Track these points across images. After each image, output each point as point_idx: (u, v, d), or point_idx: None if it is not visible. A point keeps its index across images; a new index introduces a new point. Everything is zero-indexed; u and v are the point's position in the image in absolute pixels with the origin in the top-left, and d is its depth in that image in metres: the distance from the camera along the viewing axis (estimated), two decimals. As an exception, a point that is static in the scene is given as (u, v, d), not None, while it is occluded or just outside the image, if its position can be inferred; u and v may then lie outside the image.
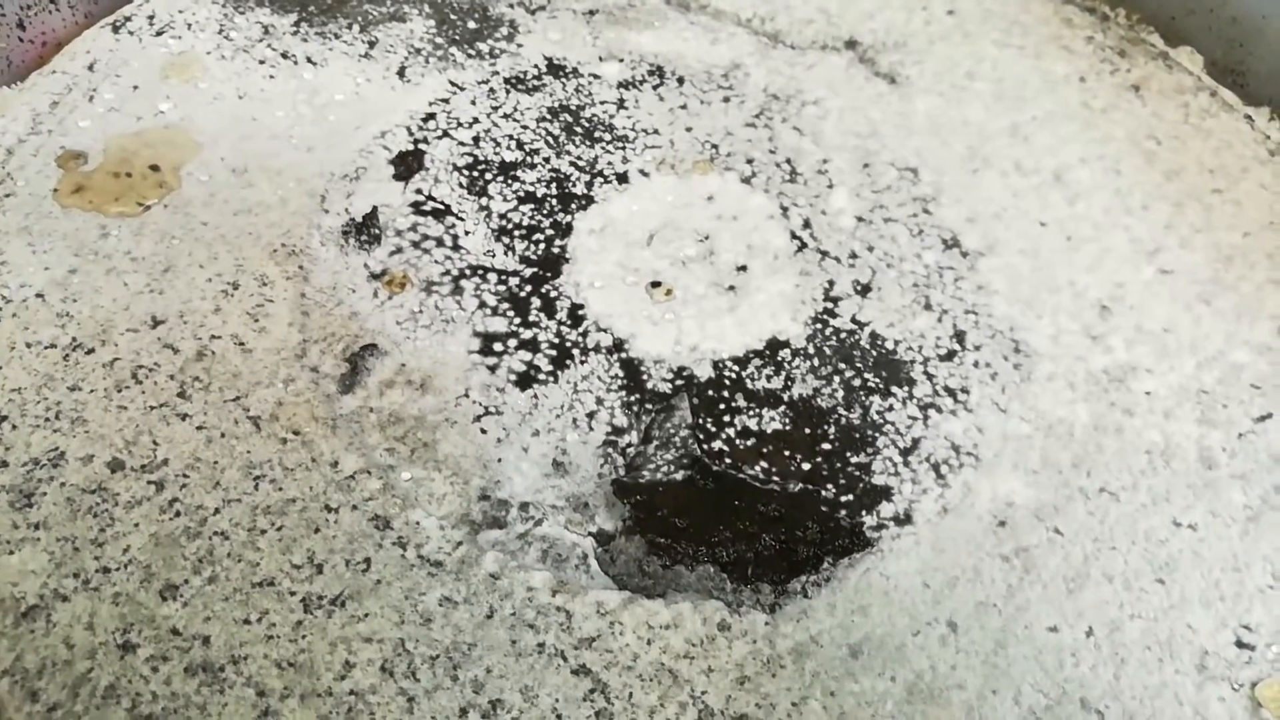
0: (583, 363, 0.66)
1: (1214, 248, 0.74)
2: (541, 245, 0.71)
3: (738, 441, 0.63)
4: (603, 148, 0.76)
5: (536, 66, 0.81)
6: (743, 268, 0.71)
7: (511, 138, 0.76)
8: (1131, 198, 0.76)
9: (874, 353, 0.67)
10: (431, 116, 0.77)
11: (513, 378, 0.65)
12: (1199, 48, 0.87)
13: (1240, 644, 0.57)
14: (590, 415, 0.64)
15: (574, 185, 0.74)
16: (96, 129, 0.74)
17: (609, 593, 0.57)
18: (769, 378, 0.66)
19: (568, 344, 0.67)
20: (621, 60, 0.82)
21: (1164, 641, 0.57)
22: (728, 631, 0.56)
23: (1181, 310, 0.71)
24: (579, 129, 0.77)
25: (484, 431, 0.62)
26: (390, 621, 0.55)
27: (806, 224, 0.73)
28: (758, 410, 0.65)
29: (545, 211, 0.73)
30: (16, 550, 0.56)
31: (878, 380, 0.66)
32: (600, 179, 0.75)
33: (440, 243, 0.70)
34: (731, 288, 0.70)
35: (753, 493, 0.61)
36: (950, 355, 0.68)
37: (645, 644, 0.55)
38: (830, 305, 0.69)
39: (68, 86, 0.77)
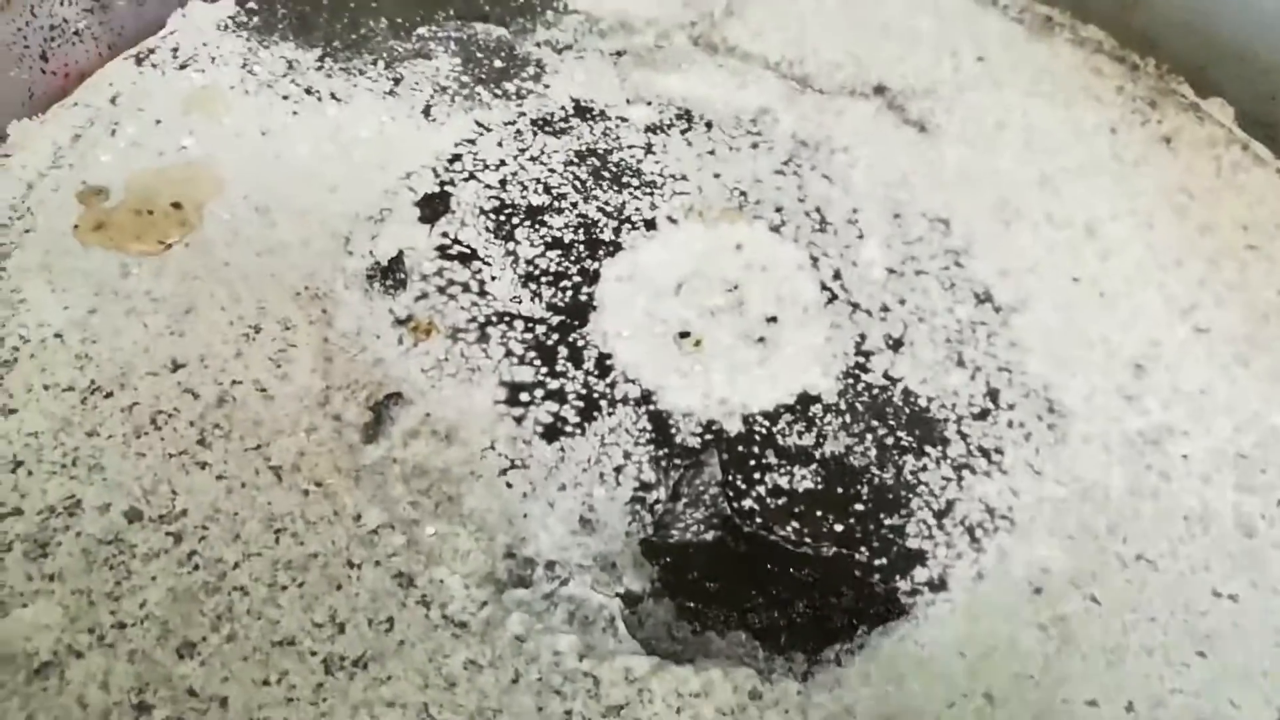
0: (610, 415, 0.65)
1: (1249, 306, 0.73)
2: (569, 292, 0.70)
3: (769, 500, 0.62)
4: (630, 193, 0.75)
5: (564, 108, 0.80)
6: (773, 319, 0.70)
7: (539, 181, 0.75)
8: (1164, 253, 0.75)
9: (907, 410, 0.66)
10: (458, 158, 0.76)
11: (539, 429, 0.64)
12: (1230, 99, 0.86)
13: (1284, 723, 0.56)
14: (618, 470, 0.63)
15: (602, 231, 0.73)
16: (118, 164, 0.73)
17: (637, 658, 0.56)
18: (800, 434, 0.65)
19: (595, 395, 0.65)
20: (649, 103, 0.81)
21: (1207, 719, 0.56)
22: (759, 701, 0.55)
23: (1218, 371, 0.69)
24: (607, 174, 0.76)
25: (510, 485, 0.61)
26: (414, 685, 0.54)
27: (837, 275, 0.72)
28: (789, 468, 0.63)
29: (573, 258, 0.72)
30: (30, 603, 0.54)
31: (911, 439, 0.65)
32: (628, 225, 0.74)
33: (466, 288, 0.69)
34: (761, 339, 0.69)
35: (785, 556, 0.60)
36: (984, 414, 0.66)
37: (675, 713, 0.54)
38: (862, 360, 0.68)
39: (90, 119, 0.76)
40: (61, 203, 0.70)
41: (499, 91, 0.81)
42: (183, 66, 0.80)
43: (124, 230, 0.69)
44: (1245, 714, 0.56)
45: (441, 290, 0.69)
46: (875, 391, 0.67)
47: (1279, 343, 0.71)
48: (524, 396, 0.65)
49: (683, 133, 0.80)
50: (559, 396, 0.65)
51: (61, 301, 0.66)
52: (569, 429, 0.64)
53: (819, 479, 0.63)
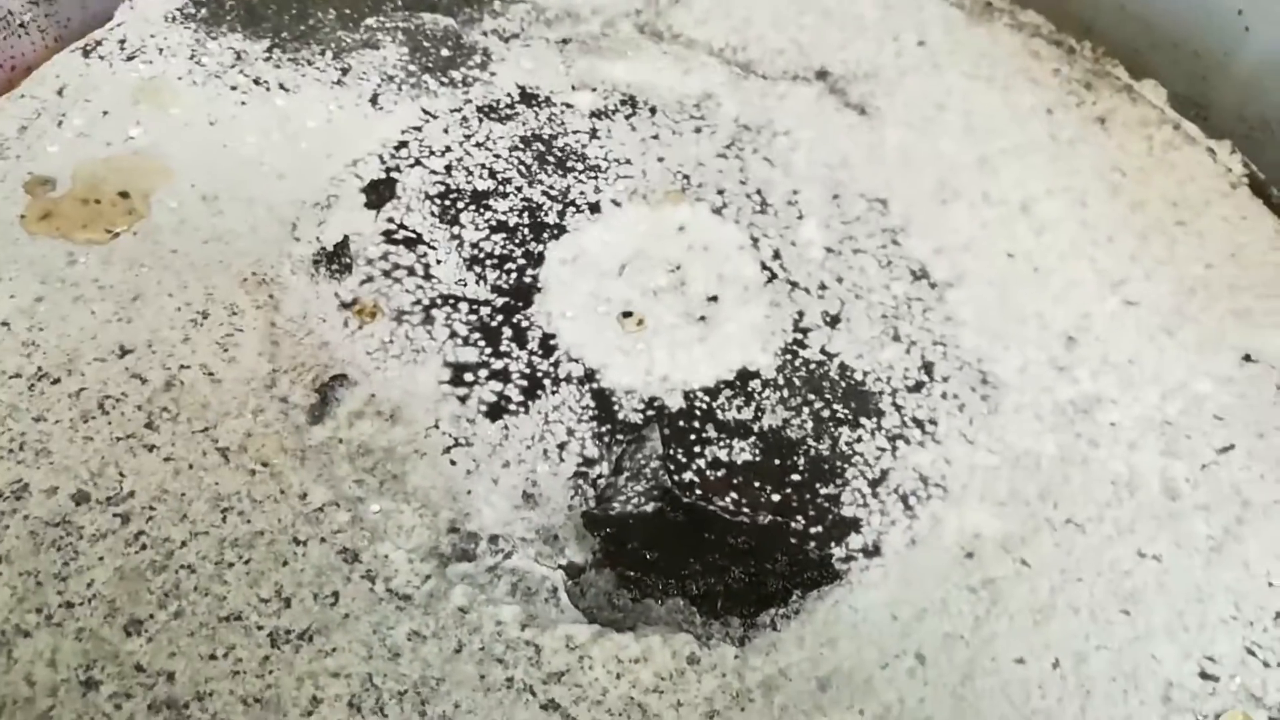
0: (554, 393, 0.66)
1: (1177, 279, 0.75)
2: (513, 274, 0.71)
3: (708, 472, 0.64)
4: (575, 177, 0.77)
5: (509, 95, 0.81)
6: (713, 298, 0.71)
7: (484, 166, 0.77)
8: (1097, 229, 0.78)
9: (843, 384, 0.68)
10: (404, 144, 0.77)
11: (483, 408, 0.65)
12: (1162, 81, 0.88)
13: (1204, 675, 0.58)
14: (561, 446, 0.64)
15: (546, 214, 0.74)
16: (65, 155, 0.74)
17: (578, 626, 0.57)
18: (739, 408, 0.66)
19: (539, 374, 0.67)
20: (594, 89, 0.83)
21: (1129, 673, 0.58)
22: (697, 665, 0.56)
23: (1146, 341, 0.71)
24: (551, 158, 0.78)
25: (454, 463, 0.62)
26: (358, 656, 0.55)
27: (776, 255, 0.74)
28: (728, 441, 0.65)
29: (517, 240, 0.73)
30: (-22, 585, 0.55)
31: (847, 411, 0.67)
32: (572, 208, 0.75)
33: (412, 272, 0.70)
34: (702, 318, 0.70)
35: (723, 525, 0.61)
36: (918, 386, 0.68)
37: (614, 678, 0.55)
38: (800, 336, 0.70)
39: (37, 111, 0.76)
40: (8, 193, 0.71)
41: (446, 80, 0.82)
42: (130, 58, 0.80)
43: (71, 219, 0.70)
44: (1166, 668, 0.58)
45: (387, 274, 0.70)
46: (812, 366, 0.69)
47: (1205, 314, 0.73)
48: (468, 376, 0.66)
49: (627, 118, 0.81)
50: (503, 376, 0.66)
51: (8, 290, 0.66)
52: (513, 407, 0.65)
53: (757, 451, 0.65)
